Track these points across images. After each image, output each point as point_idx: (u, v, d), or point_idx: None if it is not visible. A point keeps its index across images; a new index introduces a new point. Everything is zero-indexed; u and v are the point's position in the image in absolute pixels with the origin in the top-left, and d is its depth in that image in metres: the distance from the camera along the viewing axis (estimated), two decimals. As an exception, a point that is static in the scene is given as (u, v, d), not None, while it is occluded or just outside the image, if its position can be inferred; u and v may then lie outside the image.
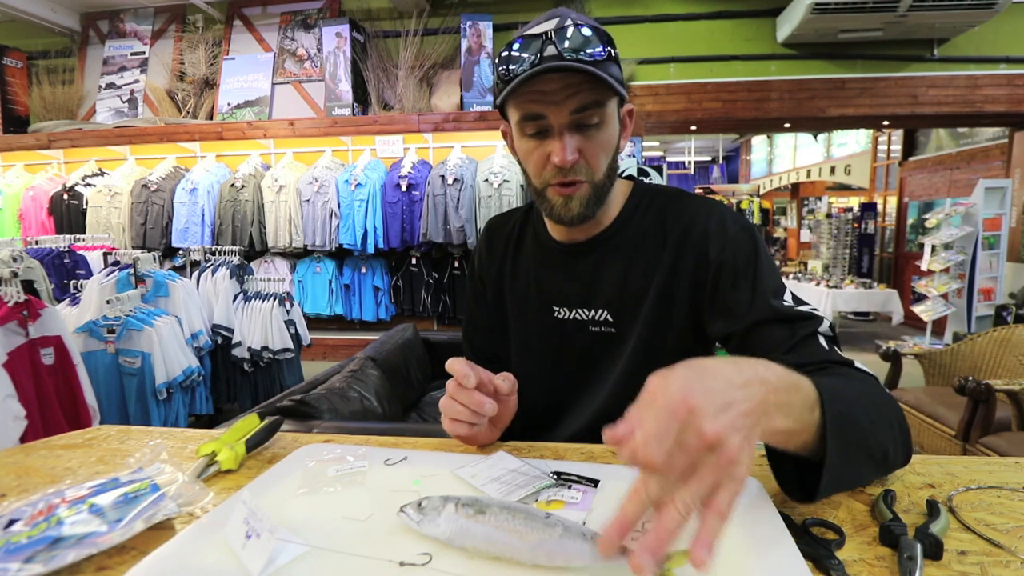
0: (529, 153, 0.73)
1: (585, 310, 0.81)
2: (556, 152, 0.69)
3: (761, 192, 11.96)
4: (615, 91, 0.68)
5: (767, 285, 0.71)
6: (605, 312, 0.79)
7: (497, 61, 0.70)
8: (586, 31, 0.66)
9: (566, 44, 0.65)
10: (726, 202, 10.31)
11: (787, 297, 0.71)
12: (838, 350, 0.67)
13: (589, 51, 0.65)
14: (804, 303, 0.71)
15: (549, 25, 0.67)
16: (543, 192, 0.74)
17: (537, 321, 0.85)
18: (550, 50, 0.65)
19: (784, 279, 0.78)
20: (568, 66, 0.64)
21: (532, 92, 0.68)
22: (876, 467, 0.56)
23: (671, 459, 0.36)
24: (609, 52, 0.67)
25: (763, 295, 0.70)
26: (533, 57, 0.66)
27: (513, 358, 0.90)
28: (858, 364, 0.64)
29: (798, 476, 0.52)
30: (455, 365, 0.64)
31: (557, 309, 0.83)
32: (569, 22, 0.67)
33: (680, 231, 0.76)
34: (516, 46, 0.67)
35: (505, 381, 0.68)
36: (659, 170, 3.68)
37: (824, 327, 0.68)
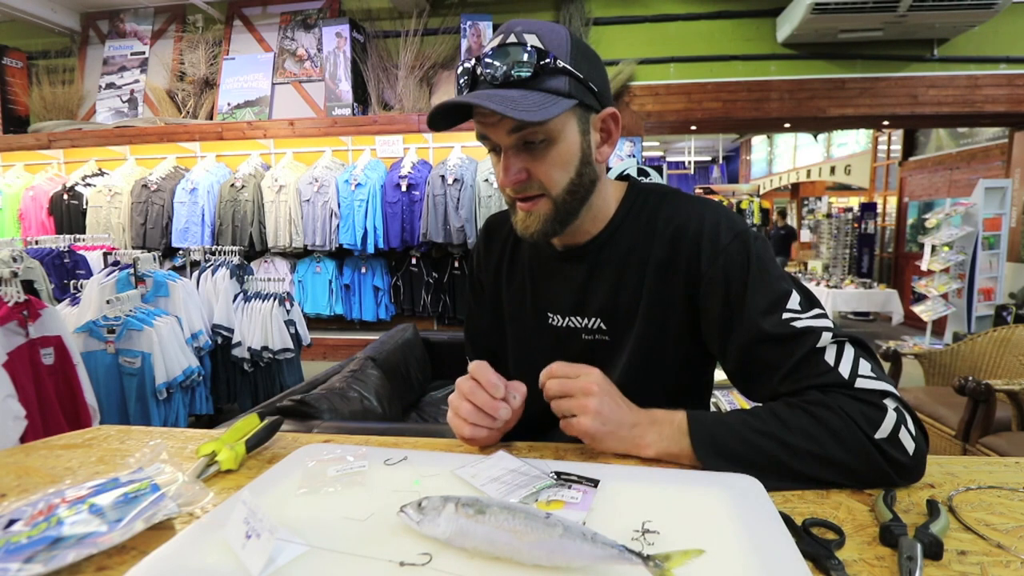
0: (494, 167, 0.73)
1: (578, 318, 0.80)
2: (500, 173, 0.70)
3: (761, 192, 11.97)
4: (555, 106, 0.64)
5: (759, 301, 0.67)
6: (598, 320, 0.78)
7: (457, 80, 0.70)
8: (523, 49, 0.64)
9: (494, 70, 0.65)
10: (726, 202, 10.31)
11: (791, 304, 0.67)
12: (853, 354, 0.63)
13: (519, 71, 0.64)
14: (813, 305, 0.68)
15: (493, 44, 0.66)
16: (512, 206, 0.74)
17: (532, 326, 0.84)
18: (481, 76, 0.66)
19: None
20: (474, 103, 0.63)
21: (476, 114, 0.68)
22: (796, 482, 0.59)
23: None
24: (544, 66, 0.64)
25: (752, 314, 0.67)
26: (467, 84, 0.67)
27: (510, 359, 0.90)
28: (862, 384, 0.61)
29: None
30: (486, 374, 0.68)
31: (551, 316, 0.82)
32: (512, 38, 0.65)
33: (670, 237, 0.73)
34: (465, 66, 0.68)
35: (516, 397, 0.69)
36: (659, 170, 3.69)
37: (824, 340, 0.64)
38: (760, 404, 0.68)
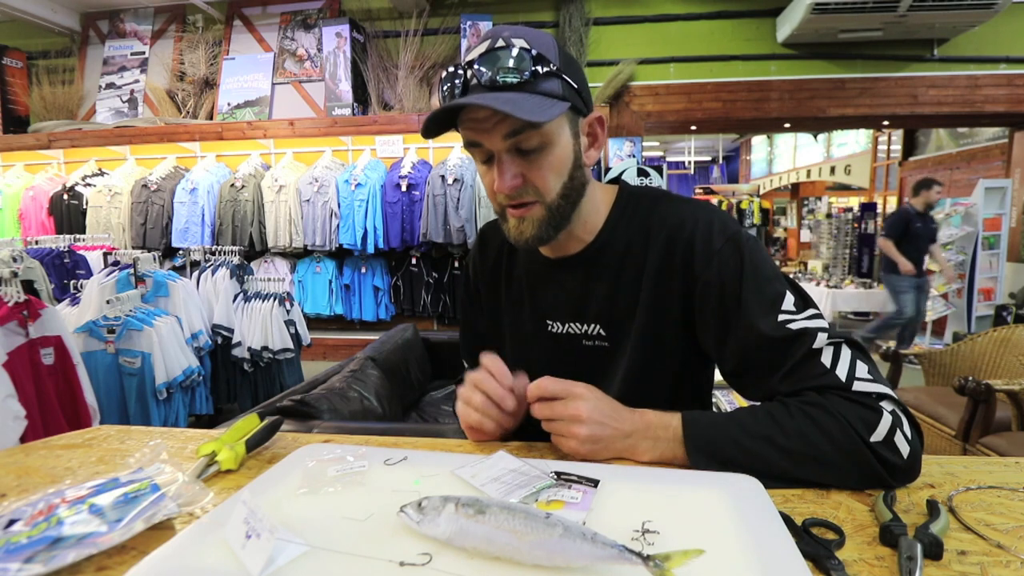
0: (483, 177, 0.73)
1: (577, 324, 0.80)
2: (496, 180, 0.68)
3: (761, 192, 11.96)
4: (553, 108, 0.64)
5: (754, 304, 0.67)
6: (597, 326, 0.78)
7: (440, 86, 0.69)
8: (514, 52, 0.63)
9: (488, 73, 0.63)
10: (726, 202, 10.30)
11: (786, 305, 0.67)
12: (850, 356, 0.64)
13: (512, 76, 0.63)
14: (808, 305, 0.68)
15: (480, 50, 0.65)
16: (502, 214, 0.73)
17: (531, 333, 0.84)
18: (474, 80, 0.65)
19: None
20: (476, 103, 0.62)
21: (467, 120, 0.67)
22: (790, 484, 0.59)
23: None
24: (538, 70, 0.64)
25: (748, 318, 0.67)
26: (456, 89, 0.65)
27: (508, 366, 0.90)
28: (859, 387, 0.61)
29: None
30: (497, 364, 0.71)
31: (551, 323, 0.82)
32: (501, 43, 0.64)
33: (664, 241, 0.73)
34: (452, 72, 0.67)
35: (521, 379, 0.72)
36: (659, 170, 3.68)
37: (820, 341, 0.64)
38: (757, 403, 0.68)
